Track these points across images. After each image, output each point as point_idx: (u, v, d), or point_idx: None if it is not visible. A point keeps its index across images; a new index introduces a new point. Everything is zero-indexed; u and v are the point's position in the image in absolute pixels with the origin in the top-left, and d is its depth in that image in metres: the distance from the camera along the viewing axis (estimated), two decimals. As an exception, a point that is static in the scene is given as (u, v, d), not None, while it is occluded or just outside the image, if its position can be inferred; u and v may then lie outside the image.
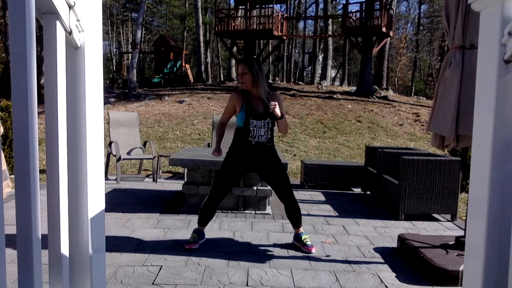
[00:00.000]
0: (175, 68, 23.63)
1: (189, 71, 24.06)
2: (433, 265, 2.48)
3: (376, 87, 17.99)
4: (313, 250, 2.91)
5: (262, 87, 2.84)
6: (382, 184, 4.44)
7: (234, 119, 3.00)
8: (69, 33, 1.02)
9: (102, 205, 1.23)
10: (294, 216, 3.00)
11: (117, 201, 4.33)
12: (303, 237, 3.00)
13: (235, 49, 21.20)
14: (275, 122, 2.91)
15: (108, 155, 5.66)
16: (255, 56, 17.29)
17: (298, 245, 3.00)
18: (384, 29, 15.91)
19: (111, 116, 5.87)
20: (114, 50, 38.37)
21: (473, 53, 2.47)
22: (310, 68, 33.25)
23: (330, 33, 22.85)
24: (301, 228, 3.05)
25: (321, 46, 25.84)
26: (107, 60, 36.30)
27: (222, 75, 31.54)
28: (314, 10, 28.97)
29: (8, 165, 5.28)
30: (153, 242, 3.05)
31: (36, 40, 0.77)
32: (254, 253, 2.87)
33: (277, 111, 2.74)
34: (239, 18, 20.29)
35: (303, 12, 31.83)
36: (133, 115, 6.26)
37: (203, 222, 3.03)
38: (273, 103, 2.72)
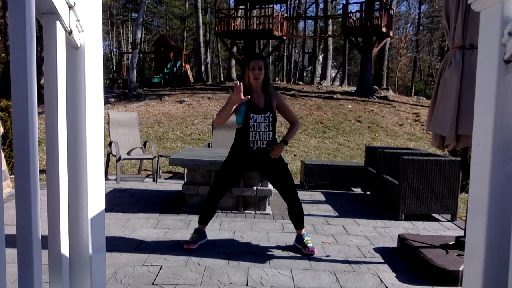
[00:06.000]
0: (175, 68, 23.63)
1: (189, 71, 24.05)
2: (433, 265, 2.48)
3: (376, 87, 17.99)
4: (315, 251, 2.90)
5: (271, 85, 2.94)
6: (382, 184, 4.44)
7: (233, 118, 2.99)
8: (69, 33, 1.02)
9: (102, 205, 1.23)
10: (297, 217, 2.97)
11: (117, 201, 4.33)
12: (305, 238, 2.97)
13: (235, 49, 21.19)
14: (276, 118, 2.91)
15: (108, 155, 5.66)
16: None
17: (299, 247, 2.96)
18: (384, 29, 15.91)
19: (111, 116, 5.87)
20: (114, 50, 38.38)
21: (473, 53, 2.47)
22: (310, 68, 33.25)
23: (330, 33, 22.85)
24: (304, 229, 3.03)
25: (321, 46, 25.83)
26: (107, 60, 36.30)
27: (222, 75, 31.52)
28: (314, 10, 28.99)
29: (8, 165, 5.28)
30: (153, 242, 3.05)
31: (36, 40, 0.77)
32: (254, 253, 2.87)
33: (276, 153, 2.90)
34: (239, 18, 20.28)
35: (303, 12, 31.83)
36: (133, 115, 6.26)
37: (203, 221, 3.02)
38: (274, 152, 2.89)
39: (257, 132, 2.85)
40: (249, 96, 2.73)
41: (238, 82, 2.69)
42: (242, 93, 2.65)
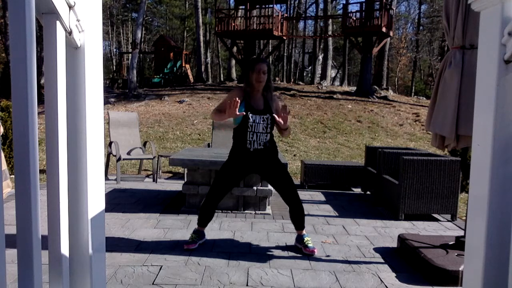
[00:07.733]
0: (175, 68, 23.63)
1: (189, 71, 24.05)
2: (433, 265, 2.48)
3: (376, 87, 17.99)
4: (315, 252, 2.89)
5: (271, 89, 2.98)
6: (382, 184, 4.44)
7: (231, 120, 2.98)
8: (69, 33, 1.02)
9: (102, 205, 1.23)
10: (298, 218, 2.97)
11: (117, 201, 4.33)
12: (306, 238, 2.97)
13: (235, 49, 21.20)
14: (275, 121, 2.90)
15: (108, 155, 5.66)
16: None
17: (299, 247, 2.97)
18: (384, 29, 15.91)
19: (111, 116, 5.87)
20: (114, 50, 38.38)
21: (473, 53, 2.47)
22: (310, 68, 33.25)
23: (330, 33, 22.85)
24: (304, 230, 3.03)
25: (321, 46, 25.82)
26: (107, 60, 36.29)
27: (222, 75, 31.52)
28: (314, 10, 29.01)
29: (8, 165, 5.28)
30: (153, 242, 3.05)
31: (36, 40, 0.77)
32: (254, 253, 2.87)
33: (284, 119, 2.80)
34: (239, 18, 20.30)
35: (303, 12, 31.81)
36: (133, 115, 6.27)
37: (202, 223, 3.02)
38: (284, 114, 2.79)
39: (254, 132, 2.85)
40: (244, 113, 2.81)
41: (237, 98, 2.71)
42: (237, 110, 2.71)
